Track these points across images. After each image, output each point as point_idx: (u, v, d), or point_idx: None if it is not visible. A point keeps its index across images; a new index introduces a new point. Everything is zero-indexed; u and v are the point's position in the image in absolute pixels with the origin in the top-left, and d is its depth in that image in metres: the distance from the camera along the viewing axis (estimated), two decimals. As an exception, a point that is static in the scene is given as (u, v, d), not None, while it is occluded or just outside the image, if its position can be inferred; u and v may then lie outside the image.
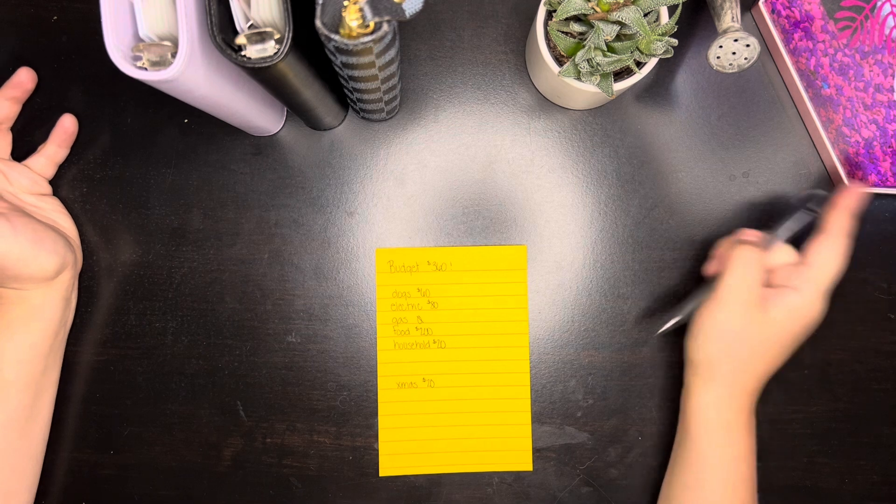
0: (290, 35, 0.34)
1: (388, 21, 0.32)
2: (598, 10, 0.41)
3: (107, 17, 0.34)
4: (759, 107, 0.53)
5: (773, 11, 0.51)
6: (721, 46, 0.45)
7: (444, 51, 0.53)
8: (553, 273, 0.53)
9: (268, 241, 0.53)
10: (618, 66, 0.43)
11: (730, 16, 0.46)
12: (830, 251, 0.44)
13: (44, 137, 0.52)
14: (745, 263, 0.45)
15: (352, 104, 0.51)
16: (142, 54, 0.35)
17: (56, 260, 0.47)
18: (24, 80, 0.51)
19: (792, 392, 0.53)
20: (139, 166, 0.53)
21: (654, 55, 0.43)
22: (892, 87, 0.44)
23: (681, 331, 0.52)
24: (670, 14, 0.46)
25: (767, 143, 0.53)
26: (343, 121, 0.53)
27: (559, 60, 0.46)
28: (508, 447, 0.52)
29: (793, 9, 0.49)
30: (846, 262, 0.45)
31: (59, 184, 0.52)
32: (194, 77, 0.36)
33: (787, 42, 0.51)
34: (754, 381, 0.46)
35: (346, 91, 0.46)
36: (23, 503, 0.48)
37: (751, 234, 0.47)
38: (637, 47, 0.43)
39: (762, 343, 0.44)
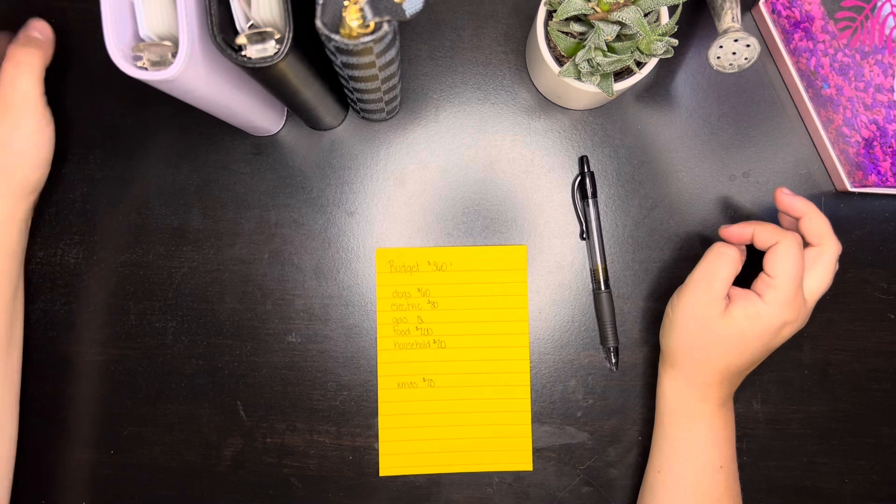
0: (291, 35, 0.34)
1: (389, 21, 0.32)
2: (598, 10, 0.41)
3: (107, 17, 0.34)
4: (759, 107, 0.53)
5: (773, 11, 0.51)
6: (721, 46, 0.45)
7: (444, 51, 0.53)
8: (553, 273, 0.53)
9: (268, 241, 0.53)
10: (618, 67, 0.43)
11: (730, 16, 0.46)
12: (784, 260, 0.43)
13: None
14: (717, 258, 0.45)
15: (352, 104, 0.51)
16: (142, 54, 0.35)
17: (47, 169, 0.47)
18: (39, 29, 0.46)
19: (792, 392, 0.53)
20: (139, 166, 0.53)
21: (654, 55, 0.43)
22: (892, 87, 0.44)
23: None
24: (670, 14, 0.46)
25: (767, 143, 0.53)
26: (343, 121, 0.53)
27: (559, 60, 0.46)
28: (508, 447, 0.52)
29: (793, 9, 0.49)
30: (822, 272, 0.45)
31: (60, 184, 0.52)
32: (194, 77, 0.36)
33: (787, 42, 0.51)
34: (714, 374, 0.46)
35: (346, 91, 0.46)
36: (7, 436, 0.47)
37: (736, 236, 0.47)
38: (637, 47, 0.43)
39: (719, 338, 0.44)
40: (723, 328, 0.44)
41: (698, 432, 0.47)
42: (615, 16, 0.40)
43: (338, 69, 0.39)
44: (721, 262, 0.45)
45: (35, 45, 0.45)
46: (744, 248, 0.47)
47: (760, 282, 0.44)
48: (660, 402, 0.49)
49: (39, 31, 0.45)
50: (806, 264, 0.45)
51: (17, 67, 0.43)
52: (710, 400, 0.46)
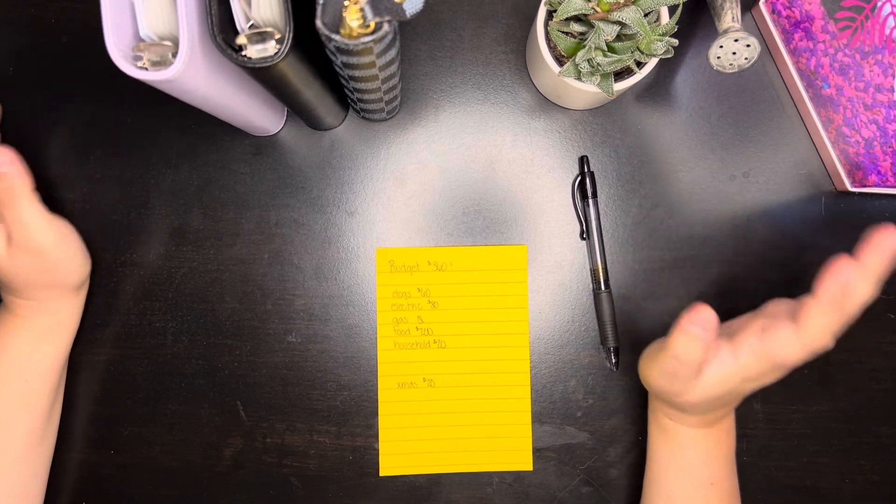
0: (291, 35, 0.34)
1: (389, 21, 0.32)
2: (598, 10, 0.41)
3: (107, 17, 0.34)
4: (759, 107, 0.53)
5: (773, 11, 0.51)
6: (721, 46, 0.45)
7: (444, 51, 0.53)
8: (553, 273, 0.53)
9: (268, 241, 0.53)
10: (618, 66, 0.43)
11: (730, 16, 0.46)
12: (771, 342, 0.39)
13: (44, 140, 0.52)
14: (687, 341, 0.39)
15: (352, 104, 0.51)
16: (142, 54, 0.35)
17: (88, 264, 0.49)
18: None
19: (792, 392, 0.53)
20: (139, 166, 0.53)
21: (654, 55, 0.43)
22: (892, 87, 0.44)
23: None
24: (670, 14, 0.46)
25: (767, 143, 0.53)
26: (343, 121, 0.53)
27: (559, 60, 0.46)
28: (508, 447, 0.52)
29: (793, 9, 0.49)
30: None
31: (60, 184, 0.52)
32: (194, 77, 0.36)
33: (787, 42, 0.51)
34: (695, 417, 0.44)
35: (346, 91, 0.46)
36: None
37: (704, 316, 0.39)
38: (637, 47, 0.43)
39: (696, 401, 0.42)
40: (694, 395, 0.41)
41: (686, 453, 0.46)
42: (615, 16, 0.40)
43: (338, 69, 0.39)
44: (689, 349, 0.39)
45: (14, 177, 0.43)
46: (714, 321, 0.39)
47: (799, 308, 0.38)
48: (649, 419, 0.49)
49: (6, 164, 0.44)
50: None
51: (20, 206, 0.44)
52: (696, 426, 0.45)
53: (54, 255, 0.46)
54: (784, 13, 0.50)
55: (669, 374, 0.41)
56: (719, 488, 0.46)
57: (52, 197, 0.52)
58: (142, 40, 0.36)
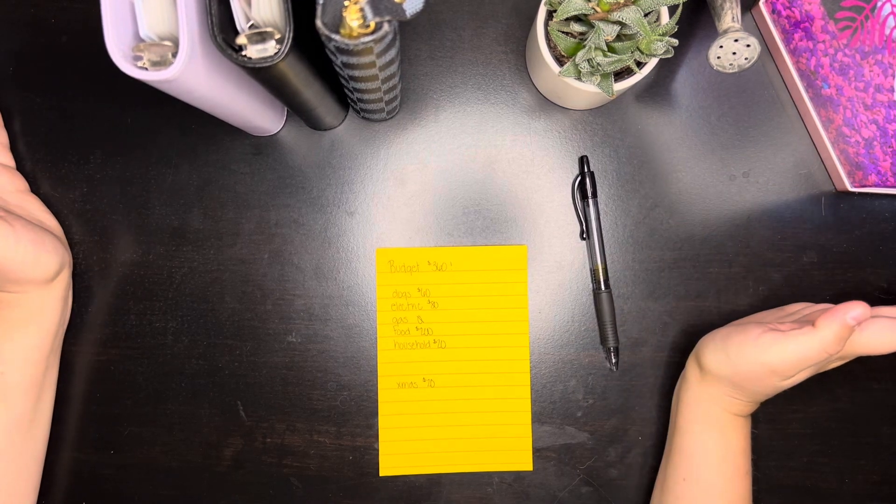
0: (291, 35, 0.34)
1: (389, 21, 0.32)
2: (598, 10, 0.41)
3: (107, 17, 0.34)
4: (759, 107, 0.53)
5: (773, 11, 0.51)
6: (721, 46, 0.45)
7: (444, 51, 0.53)
8: (553, 273, 0.53)
9: (268, 241, 0.53)
10: (618, 66, 0.43)
11: (730, 16, 0.46)
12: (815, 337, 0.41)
13: (44, 140, 0.52)
14: (815, 350, 0.41)
15: (352, 104, 0.51)
16: (142, 54, 0.35)
17: (56, 261, 0.47)
18: None
19: (792, 392, 0.52)
20: (139, 166, 0.53)
21: (654, 55, 0.43)
22: (892, 87, 0.44)
23: (689, 331, 0.52)
24: (671, 14, 0.46)
25: (767, 143, 0.53)
26: (343, 121, 0.53)
27: (559, 60, 0.46)
28: (508, 447, 0.52)
29: (793, 9, 0.49)
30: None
31: (60, 184, 0.52)
32: (195, 77, 0.36)
33: (787, 42, 0.51)
34: (751, 408, 0.47)
35: (346, 91, 0.46)
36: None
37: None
38: (637, 47, 0.43)
39: (788, 385, 0.44)
40: (800, 378, 0.44)
41: (731, 441, 0.46)
42: (615, 16, 0.40)
43: (338, 69, 0.39)
44: (813, 354, 0.41)
45: None
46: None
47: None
48: (686, 407, 0.48)
49: None
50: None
51: None
52: (745, 414, 0.47)
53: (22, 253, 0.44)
54: (784, 13, 0.50)
55: (808, 362, 0.42)
56: (748, 480, 0.47)
57: (52, 197, 0.52)
58: (142, 40, 0.36)
